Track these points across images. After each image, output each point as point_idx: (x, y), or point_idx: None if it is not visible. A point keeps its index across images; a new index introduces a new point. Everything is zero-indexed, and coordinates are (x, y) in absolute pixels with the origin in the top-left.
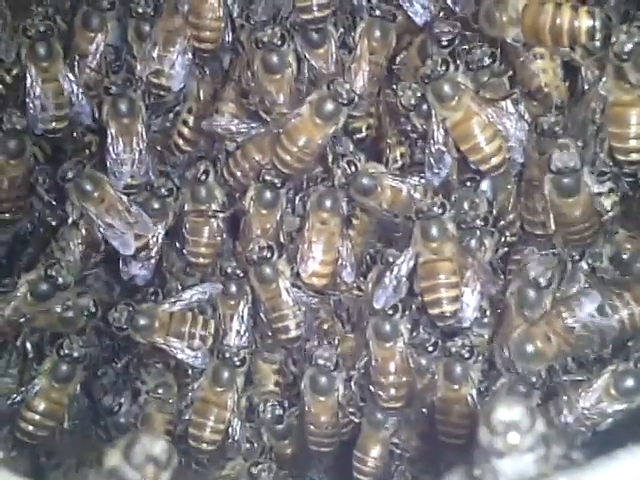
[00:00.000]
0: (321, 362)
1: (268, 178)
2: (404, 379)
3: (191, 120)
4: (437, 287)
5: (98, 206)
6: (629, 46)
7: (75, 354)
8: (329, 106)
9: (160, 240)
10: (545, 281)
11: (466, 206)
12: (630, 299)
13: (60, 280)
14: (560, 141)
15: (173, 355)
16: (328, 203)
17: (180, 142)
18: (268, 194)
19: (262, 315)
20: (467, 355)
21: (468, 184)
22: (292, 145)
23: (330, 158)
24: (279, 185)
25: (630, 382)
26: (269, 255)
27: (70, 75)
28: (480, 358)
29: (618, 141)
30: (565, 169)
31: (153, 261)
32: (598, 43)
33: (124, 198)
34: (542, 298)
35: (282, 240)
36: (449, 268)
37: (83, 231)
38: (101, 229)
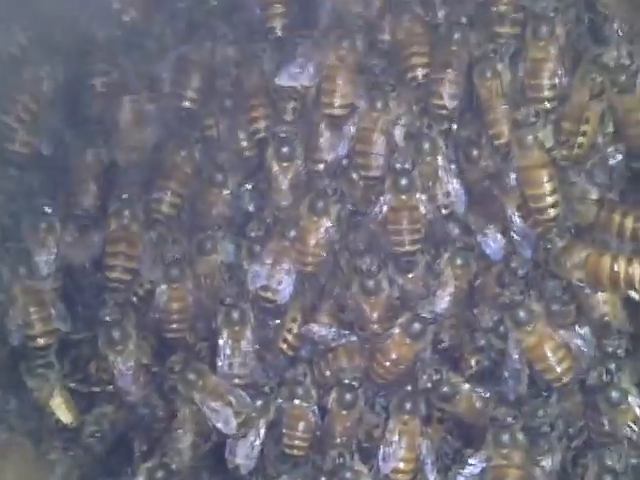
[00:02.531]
0: None
1: (346, 381)
2: None
3: (295, 328)
4: None
5: (203, 393)
6: None
7: None
8: (417, 326)
9: (263, 433)
10: None
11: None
12: None
13: (174, 467)
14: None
15: None
16: (408, 406)
17: (284, 347)
18: (348, 396)
19: None
20: None
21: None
22: (385, 360)
23: (419, 365)
24: (357, 387)
25: None
26: (344, 461)
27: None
28: None
29: None
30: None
31: (256, 451)
32: None
33: (225, 383)
34: None
35: (358, 439)
36: (517, 475)
37: (192, 420)
38: (207, 414)
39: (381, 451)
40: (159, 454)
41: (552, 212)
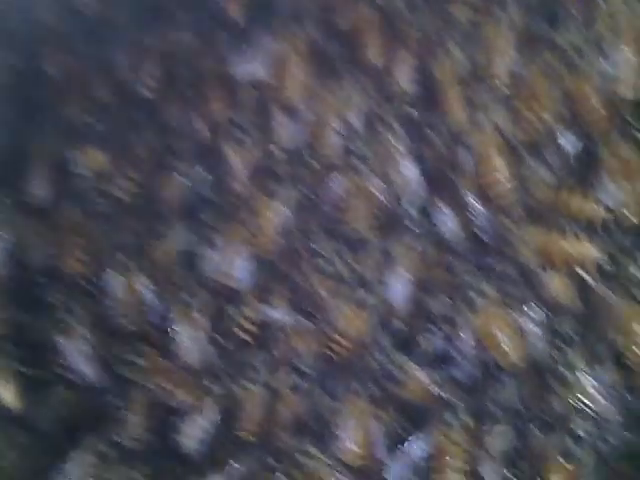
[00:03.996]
0: None
1: (303, 367)
2: None
3: (251, 315)
4: (446, 471)
5: (151, 376)
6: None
7: None
8: (367, 300)
9: (214, 416)
10: None
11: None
12: None
13: (123, 444)
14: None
15: None
16: (359, 388)
17: (242, 335)
18: (302, 382)
19: None
20: None
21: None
22: (338, 337)
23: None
24: (310, 370)
25: None
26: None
27: (147, 280)
28: None
29: (629, 352)
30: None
31: (206, 433)
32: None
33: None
34: None
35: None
36: (460, 455)
37: (142, 401)
38: (158, 396)
39: (332, 434)
40: (106, 432)
41: (508, 195)
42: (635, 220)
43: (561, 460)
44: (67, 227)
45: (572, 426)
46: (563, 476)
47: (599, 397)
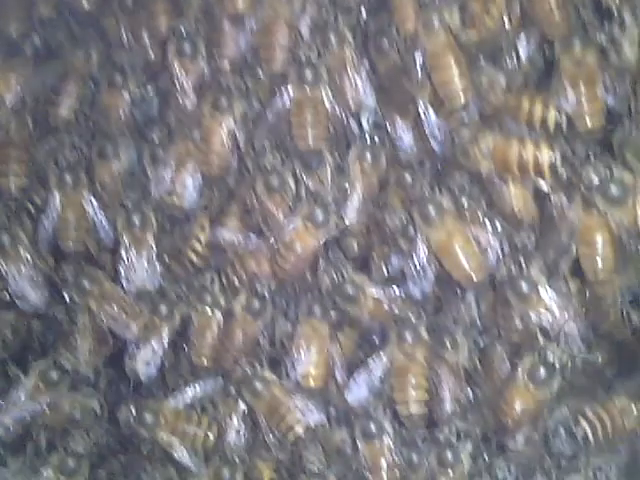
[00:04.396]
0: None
1: (259, 289)
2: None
3: (203, 237)
4: (407, 388)
5: (99, 300)
6: (595, 178)
7: (80, 450)
8: (319, 215)
9: (166, 340)
10: None
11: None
12: None
13: (68, 366)
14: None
15: (171, 454)
16: (317, 311)
17: (194, 258)
18: (256, 303)
19: (263, 425)
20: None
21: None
22: (290, 254)
23: (321, 266)
24: (268, 297)
25: None
26: (254, 371)
27: (94, 201)
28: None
29: (587, 261)
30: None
31: (158, 359)
32: (566, 174)
33: (120, 289)
34: None
35: (266, 347)
36: (420, 371)
37: (89, 325)
38: (104, 320)
39: (291, 358)
40: (55, 358)
41: (461, 97)
42: (590, 124)
43: (523, 379)
44: (8, 145)
45: (533, 343)
46: (526, 397)
47: (558, 311)
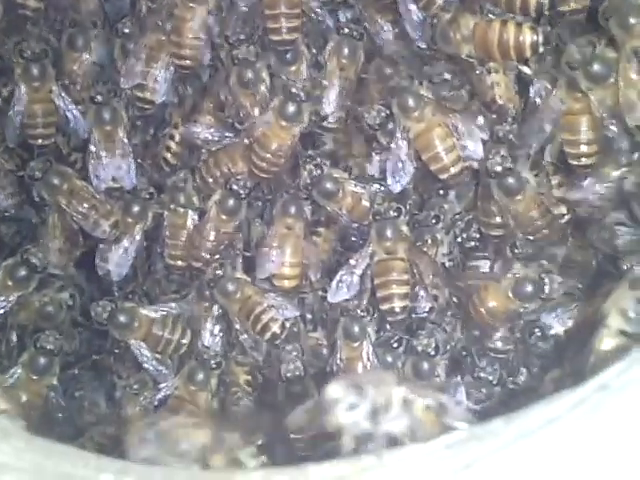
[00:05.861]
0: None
1: (234, 187)
2: None
3: (177, 135)
4: (389, 284)
5: (68, 198)
6: (578, 56)
7: (51, 347)
8: (291, 107)
9: (137, 239)
10: None
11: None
12: None
13: (36, 262)
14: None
15: (140, 362)
16: (292, 209)
17: (168, 156)
18: (231, 202)
19: (238, 326)
20: (433, 352)
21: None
22: (264, 151)
23: (300, 161)
24: (243, 196)
25: None
26: (224, 271)
27: (64, 94)
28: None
29: (571, 147)
30: (501, 171)
31: (129, 258)
32: (549, 57)
33: (90, 187)
34: None
35: (238, 248)
36: (401, 267)
37: (59, 224)
38: (74, 219)
39: (267, 256)
40: (26, 256)
41: None
42: (575, 4)
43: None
44: None
45: (513, 239)
46: (495, 295)
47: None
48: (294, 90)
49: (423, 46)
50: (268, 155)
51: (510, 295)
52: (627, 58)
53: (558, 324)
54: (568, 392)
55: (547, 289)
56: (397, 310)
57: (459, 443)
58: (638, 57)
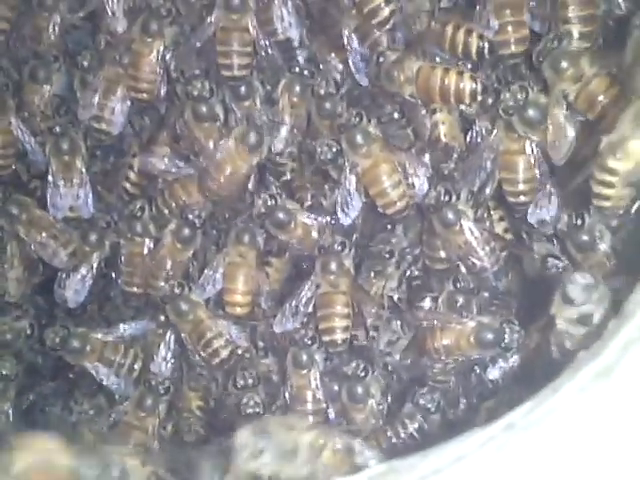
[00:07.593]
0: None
1: (190, 217)
2: (320, 406)
3: (135, 165)
4: (332, 316)
5: (27, 227)
6: (512, 102)
7: (6, 372)
8: (253, 136)
9: (95, 268)
10: None
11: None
12: None
13: None
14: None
15: (99, 380)
16: (246, 238)
17: (127, 186)
18: (186, 231)
19: (190, 347)
20: (363, 374)
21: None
22: (220, 175)
23: (252, 189)
24: (198, 225)
25: None
26: (182, 291)
27: (23, 127)
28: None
29: (509, 185)
30: (438, 204)
31: (86, 286)
32: (490, 100)
33: (49, 216)
34: None
35: (194, 275)
36: (343, 300)
37: (17, 253)
38: (33, 247)
39: (207, 279)
40: None
41: (386, 12)
42: (515, 49)
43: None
44: None
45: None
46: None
47: (480, 246)
48: (257, 122)
49: (365, 84)
50: (222, 179)
51: (472, 340)
52: (556, 100)
53: (497, 371)
54: (478, 430)
55: (507, 338)
56: (338, 342)
57: (379, 476)
58: (566, 100)
